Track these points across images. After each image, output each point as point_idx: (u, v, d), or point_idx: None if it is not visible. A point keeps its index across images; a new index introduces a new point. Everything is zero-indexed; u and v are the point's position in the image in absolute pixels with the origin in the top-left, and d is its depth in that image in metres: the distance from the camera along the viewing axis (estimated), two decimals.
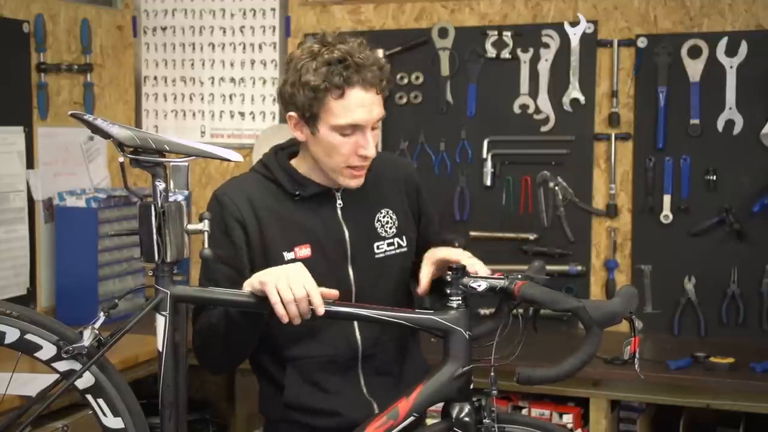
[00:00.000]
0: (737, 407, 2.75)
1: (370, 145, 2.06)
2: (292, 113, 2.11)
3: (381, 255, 2.19)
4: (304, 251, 2.11)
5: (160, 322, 1.86)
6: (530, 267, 1.92)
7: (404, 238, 2.22)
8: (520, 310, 1.90)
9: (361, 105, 2.03)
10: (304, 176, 2.16)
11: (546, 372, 1.77)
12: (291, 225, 2.12)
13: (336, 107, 2.03)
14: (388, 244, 2.20)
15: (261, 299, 1.88)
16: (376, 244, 2.18)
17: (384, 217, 2.21)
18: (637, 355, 1.81)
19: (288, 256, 2.10)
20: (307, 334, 2.10)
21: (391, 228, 2.21)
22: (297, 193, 2.14)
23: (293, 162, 2.20)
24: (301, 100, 2.05)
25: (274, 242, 2.10)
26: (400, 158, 2.34)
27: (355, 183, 2.12)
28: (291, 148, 2.22)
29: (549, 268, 3.20)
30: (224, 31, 3.77)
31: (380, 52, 3.39)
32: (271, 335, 2.11)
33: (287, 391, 2.15)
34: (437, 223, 2.36)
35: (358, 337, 2.14)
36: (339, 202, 2.17)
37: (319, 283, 1.94)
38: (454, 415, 1.85)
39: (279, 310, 1.85)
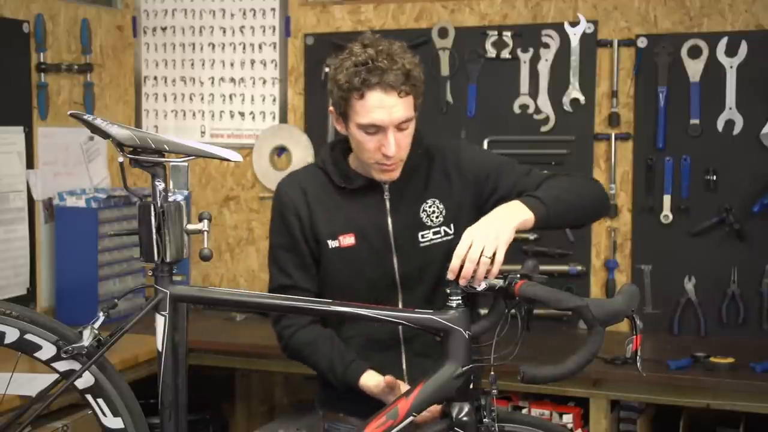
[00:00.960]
0: (737, 407, 2.75)
1: (391, 144, 2.13)
2: (331, 108, 2.23)
3: (426, 243, 2.25)
4: (349, 240, 2.23)
5: (160, 322, 1.87)
6: (524, 266, 1.92)
7: (452, 225, 2.26)
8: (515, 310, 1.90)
9: (380, 106, 2.11)
10: (353, 170, 2.27)
11: (550, 370, 1.77)
12: (337, 215, 2.24)
13: (358, 107, 2.13)
14: (434, 233, 2.25)
15: None
16: (420, 234, 2.25)
17: (430, 207, 2.26)
18: (639, 354, 1.81)
19: (332, 244, 2.23)
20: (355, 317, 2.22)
21: (437, 217, 2.26)
22: (344, 185, 2.25)
23: (350, 156, 2.30)
24: (335, 98, 2.17)
25: (321, 231, 2.24)
26: (447, 143, 2.37)
27: (387, 177, 2.22)
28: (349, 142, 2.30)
29: (549, 268, 3.27)
30: (224, 31, 3.77)
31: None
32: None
33: None
34: (511, 171, 2.27)
35: None
36: (386, 193, 2.25)
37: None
38: (453, 415, 1.86)
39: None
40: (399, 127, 2.14)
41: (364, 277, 2.20)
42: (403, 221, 2.24)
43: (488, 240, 1.94)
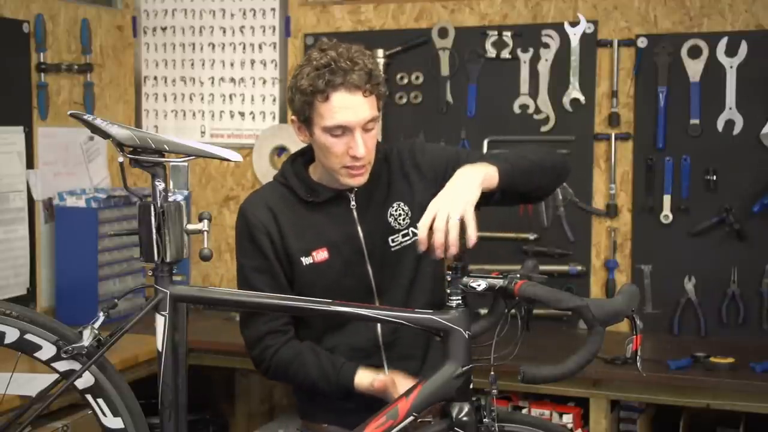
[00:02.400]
0: (737, 407, 2.75)
1: (359, 145, 2.12)
2: (293, 117, 2.21)
3: (396, 247, 2.25)
4: (322, 254, 2.22)
5: (160, 322, 1.87)
6: (524, 266, 1.92)
7: (418, 226, 2.24)
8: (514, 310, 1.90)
9: (345, 107, 2.10)
10: (317, 182, 2.25)
11: (550, 370, 1.77)
12: (307, 230, 2.22)
13: (323, 110, 2.11)
14: (403, 236, 2.26)
15: None
16: (390, 238, 2.25)
17: (396, 210, 2.26)
18: (639, 354, 1.81)
19: (306, 261, 2.22)
20: (334, 327, 2.24)
21: (404, 220, 2.26)
22: (311, 199, 2.23)
23: (311, 168, 2.29)
24: (297, 105, 2.15)
25: (292, 248, 2.22)
26: (399, 144, 2.36)
27: (356, 182, 2.20)
28: (309, 154, 2.30)
29: (549, 268, 3.27)
30: (224, 31, 3.77)
31: (380, 53, 3.40)
32: (306, 332, 2.27)
33: None
34: (467, 159, 2.23)
35: (378, 325, 2.23)
36: (353, 203, 2.24)
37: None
38: (453, 415, 1.86)
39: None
40: (365, 128, 2.13)
41: (340, 289, 2.16)
42: (372, 228, 2.24)
43: (453, 205, 1.94)
